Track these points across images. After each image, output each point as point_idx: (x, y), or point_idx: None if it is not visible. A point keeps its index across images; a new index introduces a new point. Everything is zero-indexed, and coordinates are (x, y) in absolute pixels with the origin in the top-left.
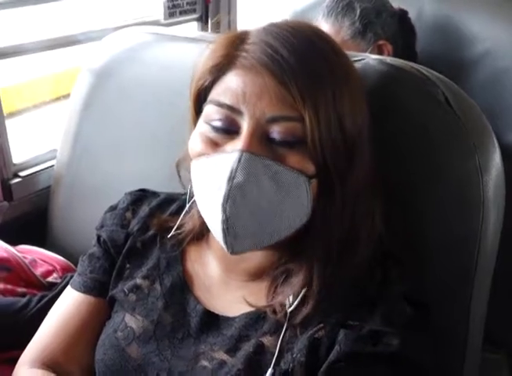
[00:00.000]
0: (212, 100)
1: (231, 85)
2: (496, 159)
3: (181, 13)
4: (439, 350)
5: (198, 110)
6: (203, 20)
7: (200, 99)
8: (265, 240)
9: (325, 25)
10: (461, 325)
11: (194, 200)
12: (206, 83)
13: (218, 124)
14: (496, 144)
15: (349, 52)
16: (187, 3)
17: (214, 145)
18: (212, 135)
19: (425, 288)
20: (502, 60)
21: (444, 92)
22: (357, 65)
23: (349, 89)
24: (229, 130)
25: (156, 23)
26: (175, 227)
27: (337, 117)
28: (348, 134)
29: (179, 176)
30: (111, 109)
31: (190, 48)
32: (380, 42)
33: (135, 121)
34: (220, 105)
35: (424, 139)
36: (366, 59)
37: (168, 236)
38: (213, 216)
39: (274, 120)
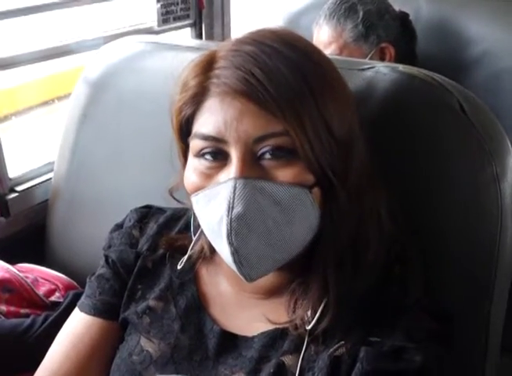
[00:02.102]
0: (196, 134)
1: (210, 115)
2: None
3: (174, 19)
4: (459, 356)
5: (185, 143)
6: (196, 26)
7: (184, 131)
8: (280, 261)
9: (326, 28)
10: (481, 332)
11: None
12: (186, 115)
13: (207, 157)
14: None
15: (359, 60)
16: (181, 9)
17: (208, 177)
18: (203, 167)
19: (443, 297)
20: (501, 61)
21: (459, 99)
22: (368, 73)
23: (331, 91)
24: (220, 159)
25: (149, 29)
26: (186, 258)
27: (324, 123)
28: (339, 135)
29: (177, 200)
30: (109, 120)
31: (189, 57)
32: (383, 45)
33: (135, 133)
34: (205, 138)
35: (440, 148)
36: (377, 67)
37: (179, 266)
38: (222, 249)
39: (260, 139)
